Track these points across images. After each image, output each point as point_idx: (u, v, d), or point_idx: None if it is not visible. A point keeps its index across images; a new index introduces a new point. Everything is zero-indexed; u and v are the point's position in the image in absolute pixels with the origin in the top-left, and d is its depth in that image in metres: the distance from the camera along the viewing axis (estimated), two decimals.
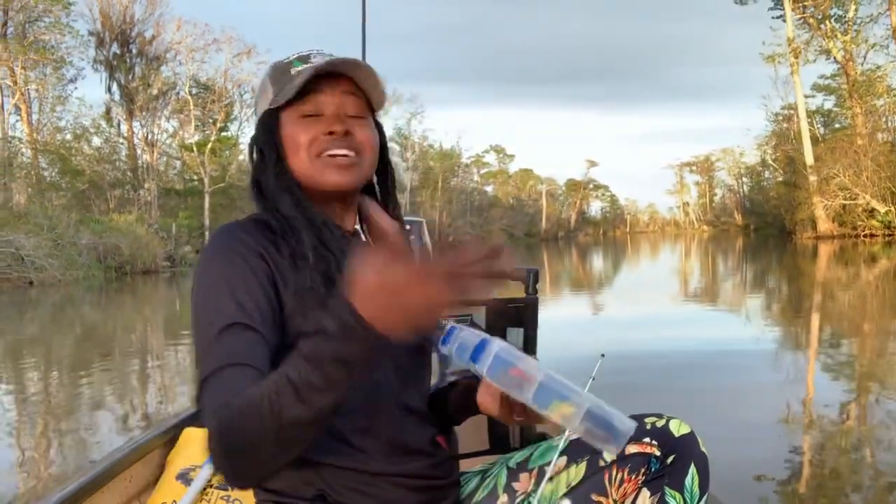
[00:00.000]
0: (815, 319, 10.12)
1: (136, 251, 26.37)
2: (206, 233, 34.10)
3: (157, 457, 1.89)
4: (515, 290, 2.11)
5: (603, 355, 1.28)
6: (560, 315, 11.46)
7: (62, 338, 11.26)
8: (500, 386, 1.05)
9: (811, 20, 43.47)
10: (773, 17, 45.58)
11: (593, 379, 1.22)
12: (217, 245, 1.16)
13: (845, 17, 42.99)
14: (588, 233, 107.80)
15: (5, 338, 11.15)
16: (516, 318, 2.07)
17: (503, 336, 1.79)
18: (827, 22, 43.15)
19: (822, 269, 20.71)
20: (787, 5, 43.06)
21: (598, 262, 32.52)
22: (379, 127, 1.32)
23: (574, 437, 1.22)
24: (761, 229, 62.94)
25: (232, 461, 0.97)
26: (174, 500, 1.72)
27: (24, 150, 33.53)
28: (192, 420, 1.96)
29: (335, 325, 0.88)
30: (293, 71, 1.22)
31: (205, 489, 1.64)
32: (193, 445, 1.84)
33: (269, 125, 1.25)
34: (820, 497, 3.40)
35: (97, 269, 24.15)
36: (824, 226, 39.93)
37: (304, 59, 1.24)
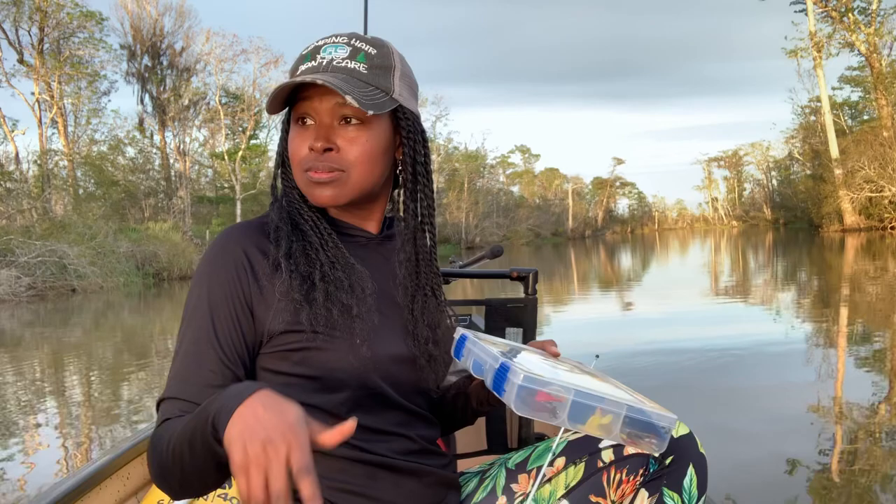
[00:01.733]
0: (844, 313, 9.83)
1: (172, 258, 26.93)
2: None
3: None
4: (515, 291, 2.18)
5: (597, 356, 1.27)
6: (581, 312, 11.66)
7: (105, 342, 11.62)
8: (529, 416, 0.95)
9: (833, 13, 42.90)
10: (795, 12, 45.28)
11: None
12: (211, 256, 1.15)
13: (868, 8, 42.41)
14: (615, 231, 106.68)
15: (51, 342, 11.53)
16: (515, 319, 2.06)
17: (502, 335, 1.97)
18: (850, 14, 42.64)
19: (850, 262, 20.56)
20: None
21: (625, 259, 32.01)
22: (401, 119, 1.21)
23: (571, 437, 1.23)
24: (791, 223, 62.12)
25: (157, 480, 1.02)
26: (171, 499, 1.80)
27: (60, 161, 34.27)
28: None
29: (214, 411, 0.86)
30: (300, 69, 1.16)
31: None
32: None
33: (283, 126, 1.23)
34: (853, 494, 3.37)
35: (136, 275, 24.71)
36: (850, 219, 39.49)
37: (314, 52, 1.16)
